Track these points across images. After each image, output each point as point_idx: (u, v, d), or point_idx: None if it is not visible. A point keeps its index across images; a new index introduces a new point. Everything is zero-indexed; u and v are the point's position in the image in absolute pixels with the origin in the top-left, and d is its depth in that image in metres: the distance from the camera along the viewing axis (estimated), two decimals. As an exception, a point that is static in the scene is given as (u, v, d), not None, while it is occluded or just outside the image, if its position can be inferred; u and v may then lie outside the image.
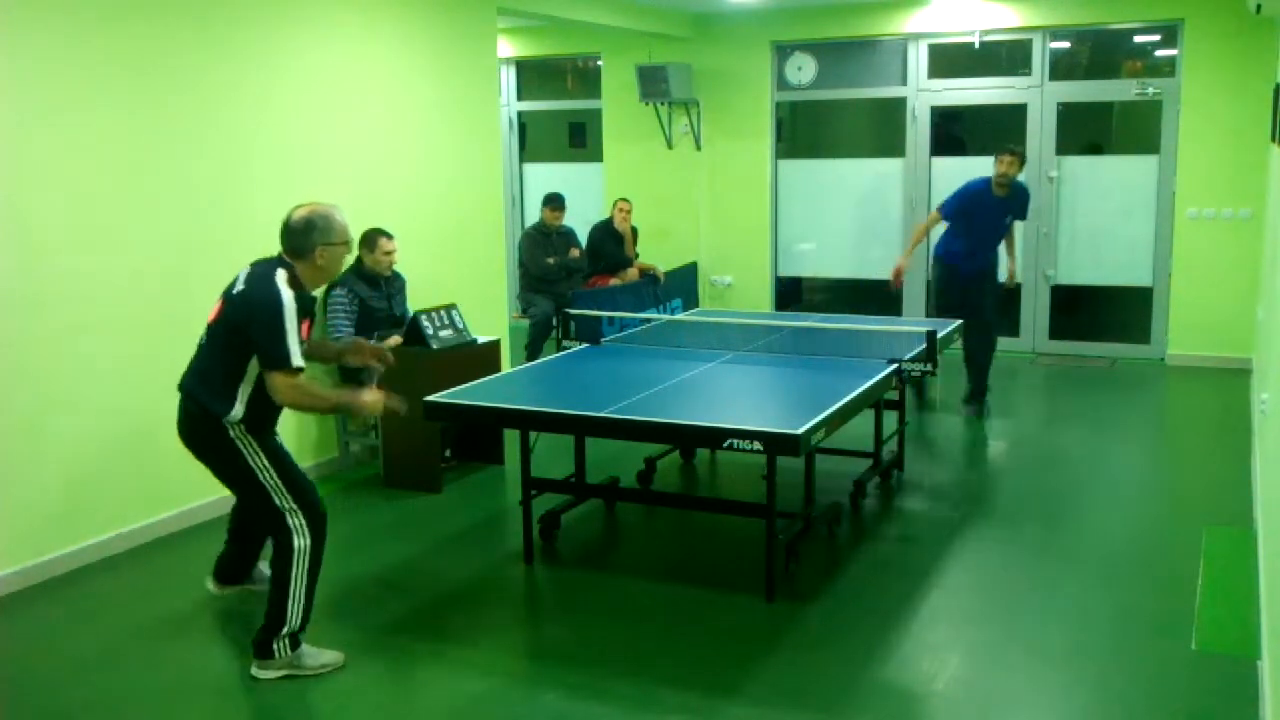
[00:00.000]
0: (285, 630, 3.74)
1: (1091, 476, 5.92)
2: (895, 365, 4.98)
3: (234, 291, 3.72)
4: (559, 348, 5.76)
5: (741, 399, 4.70)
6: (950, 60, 9.29)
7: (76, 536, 4.76)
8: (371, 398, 3.84)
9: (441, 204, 6.85)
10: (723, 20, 9.75)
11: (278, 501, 3.77)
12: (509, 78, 10.89)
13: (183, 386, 3.82)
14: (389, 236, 5.96)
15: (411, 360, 5.67)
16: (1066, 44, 9.05)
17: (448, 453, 6.09)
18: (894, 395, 5.73)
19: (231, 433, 3.72)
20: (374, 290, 5.96)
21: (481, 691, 3.66)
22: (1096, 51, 9.15)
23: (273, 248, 5.90)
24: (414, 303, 6.15)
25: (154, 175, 5.02)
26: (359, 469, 6.15)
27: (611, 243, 8.94)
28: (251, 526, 4.28)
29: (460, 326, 5.92)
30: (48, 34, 4.54)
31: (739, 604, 4.28)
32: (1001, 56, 9.20)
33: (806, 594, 4.37)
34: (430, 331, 5.70)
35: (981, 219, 7.04)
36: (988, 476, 6.00)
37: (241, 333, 3.63)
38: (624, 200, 9.07)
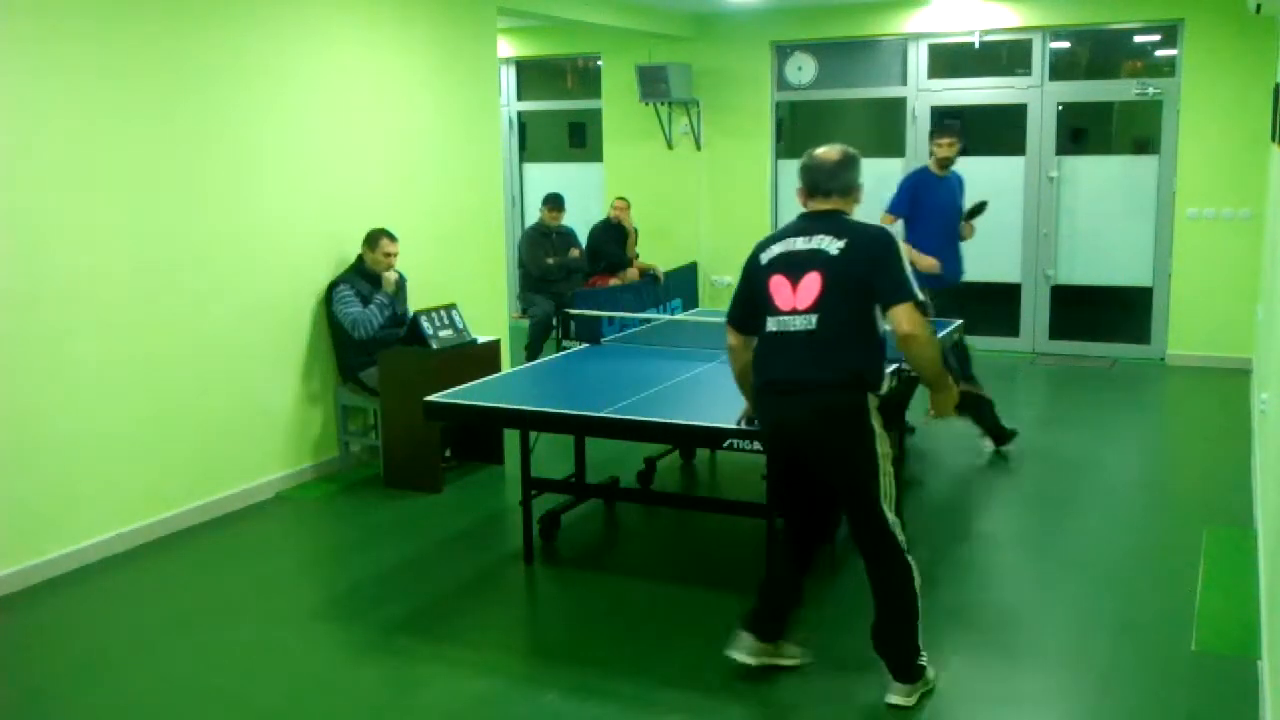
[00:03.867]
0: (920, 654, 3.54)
1: (1091, 476, 5.91)
2: (895, 365, 4.97)
3: (832, 252, 3.40)
4: (559, 348, 5.76)
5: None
6: (950, 60, 9.29)
7: (76, 536, 4.76)
8: (955, 393, 3.55)
9: (441, 204, 6.85)
10: (723, 20, 9.75)
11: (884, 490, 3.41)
12: (509, 78, 10.89)
13: (810, 379, 3.40)
14: (392, 238, 5.95)
15: (411, 360, 5.68)
16: (1066, 44, 9.05)
17: (448, 453, 6.08)
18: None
19: (872, 412, 3.40)
20: (375, 288, 5.95)
21: (481, 691, 3.66)
22: (1096, 51, 9.15)
23: (274, 246, 5.92)
24: (414, 303, 6.15)
25: (156, 175, 5.02)
26: (359, 469, 6.15)
27: (612, 242, 8.95)
28: (817, 541, 3.76)
29: (460, 326, 5.91)
30: (50, 35, 4.54)
31: (739, 604, 4.27)
32: (1001, 56, 9.20)
33: (806, 594, 4.36)
34: (430, 331, 5.70)
35: (936, 207, 6.32)
36: (987, 476, 5.99)
37: (865, 283, 3.38)
38: (620, 199, 9.10)
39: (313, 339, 5.93)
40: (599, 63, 10.45)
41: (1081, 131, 9.24)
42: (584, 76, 11.06)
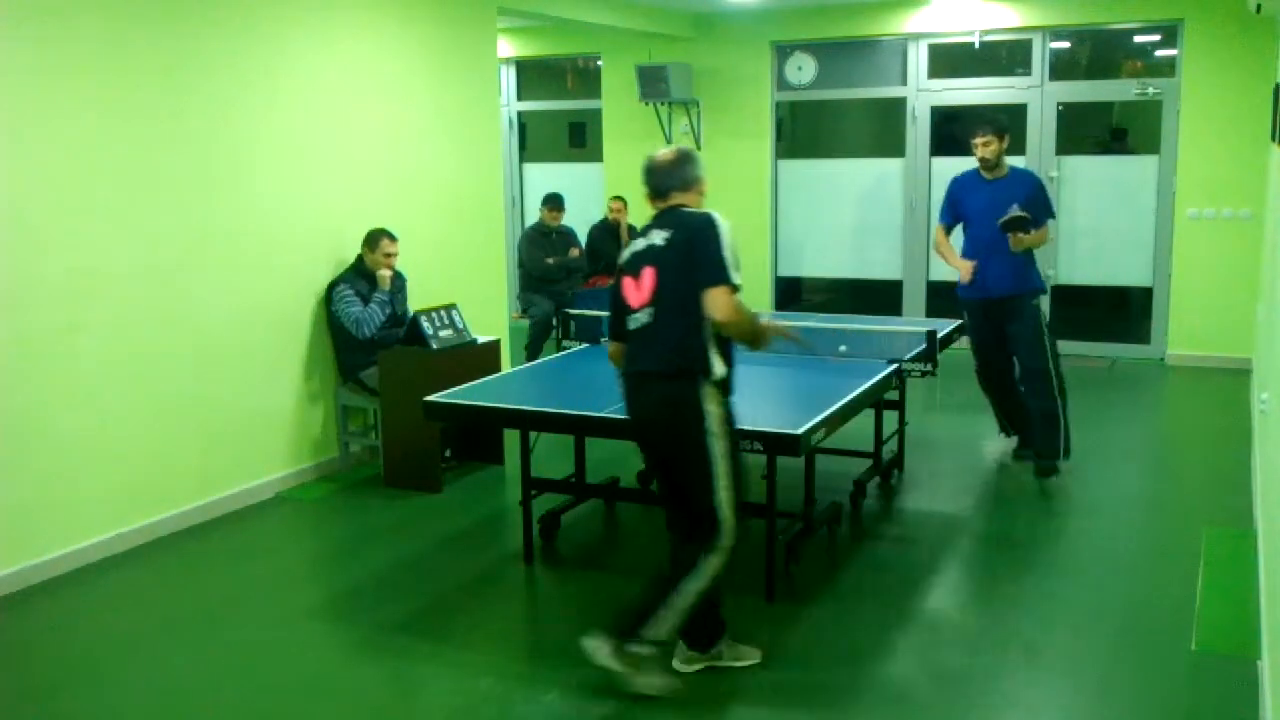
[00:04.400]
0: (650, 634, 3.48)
1: (1091, 476, 5.91)
2: (895, 365, 4.98)
3: (660, 244, 3.54)
4: (559, 348, 5.76)
5: (742, 399, 4.69)
6: (950, 60, 9.29)
7: (76, 536, 4.76)
8: (767, 323, 3.70)
9: (441, 204, 6.85)
10: (723, 20, 9.75)
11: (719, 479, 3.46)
12: (509, 78, 10.89)
13: (649, 370, 3.54)
14: (392, 239, 5.95)
15: (412, 360, 5.68)
16: (1066, 44, 9.05)
17: (448, 453, 6.09)
18: (894, 395, 5.73)
19: (706, 402, 3.45)
20: (374, 288, 5.95)
21: (481, 691, 3.66)
22: (1096, 51, 9.15)
23: (274, 246, 5.92)
24: (414, 303, 6.15)
25: (156, 176, 5.02)
26: (359, 469, 6.15)
27: (611, 242, 8.95)
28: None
29: (460, 326, 5.91)
30: (50, 36, 4.54)
31: (739, 604, 4.27)
32: (1001, 56, 9.20)
33: (806, 594, 4.37)
34: (430, 331, 5.70)
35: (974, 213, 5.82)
36: (987, 476, 5.99)
37: (690, 268, 3.44)
38: (617, 198, 9.10)
39: (313, 339, 5.93)
40: (599, 63, 10.45)
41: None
42: (584, 76, 11.06)
